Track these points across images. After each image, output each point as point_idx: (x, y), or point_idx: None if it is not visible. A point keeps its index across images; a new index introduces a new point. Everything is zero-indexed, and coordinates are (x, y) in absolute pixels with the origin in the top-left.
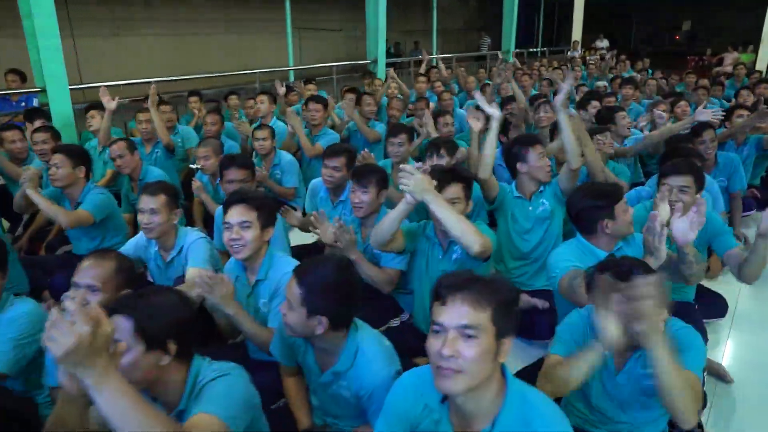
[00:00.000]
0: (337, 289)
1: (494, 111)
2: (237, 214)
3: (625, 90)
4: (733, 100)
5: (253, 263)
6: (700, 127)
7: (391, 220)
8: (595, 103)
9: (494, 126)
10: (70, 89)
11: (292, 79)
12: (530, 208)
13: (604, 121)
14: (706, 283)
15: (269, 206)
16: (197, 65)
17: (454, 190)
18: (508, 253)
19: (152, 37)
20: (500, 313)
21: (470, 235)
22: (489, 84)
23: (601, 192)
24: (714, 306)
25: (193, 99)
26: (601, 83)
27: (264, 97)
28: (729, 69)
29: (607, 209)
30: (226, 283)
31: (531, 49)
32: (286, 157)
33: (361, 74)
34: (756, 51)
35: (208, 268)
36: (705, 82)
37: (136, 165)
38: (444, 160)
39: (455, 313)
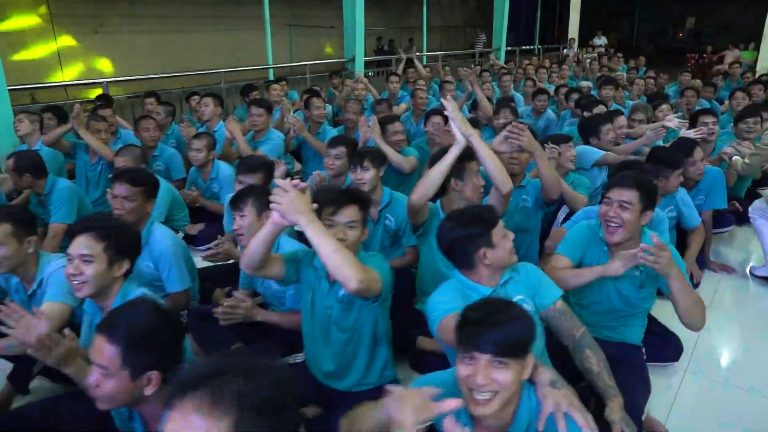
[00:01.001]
0: (162, 334)
1: (460, 135)
2: (78, 245)
3: (604, 91)
4: (727, 101)
5: (104, 301)
6: (688, 146)
7: (256, 241)
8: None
9: (453, 151)
10: (53, 86)
11: (271, 77)
12: None
13: (585, 132)
14: (662, 319)
15: (124, 236)
16: (184, 63)
17: (350, 212)
18: (433, 286)
19: (136, 34)
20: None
21: (346, 269)
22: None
23: (473, 217)
24: (666, 347)
25: (149, 100)
26: (585, 84)
27: (209, 99)
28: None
29: (482, 237)
30: (66, 342)
31: (524, 47)
32: (225, 169)
33: (330, 74)
34: (758, 48)
35: (67, 302)
36: (695, 82)
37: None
38: (369, 174)
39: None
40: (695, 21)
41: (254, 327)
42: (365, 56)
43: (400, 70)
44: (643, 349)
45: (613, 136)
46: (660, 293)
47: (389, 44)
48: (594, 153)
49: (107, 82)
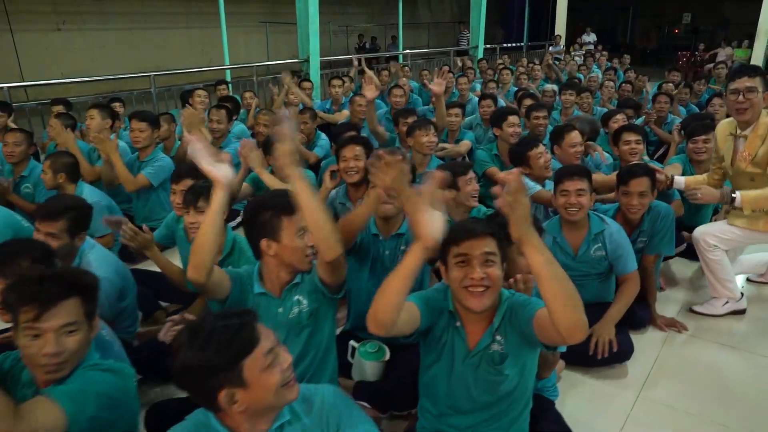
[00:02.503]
0: None
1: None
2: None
3: (564, 96)
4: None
5: None
6: (627, 175)
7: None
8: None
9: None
10: (9, 87)
11: (228, 77)
12: (280, 310)
13: (517, 158)
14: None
15: None
16: (154, 62)
17: None
18: None
19: (103, 32)
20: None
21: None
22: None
23: (220, 347)
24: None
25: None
26: (550, 87)
27: (95, 112)
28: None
29: (231, 370)
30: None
31: (507, 44)
32: (38, 169)
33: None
34: (751, 47)
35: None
36: (668, 87)
37: None
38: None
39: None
40: (691, 17)
41: None
42: (348, 54)
43: (352, 74)
44: None
45: (545, 160)
46: None
47: (372, 42)
48: (530, 188)
49: (69, 82)
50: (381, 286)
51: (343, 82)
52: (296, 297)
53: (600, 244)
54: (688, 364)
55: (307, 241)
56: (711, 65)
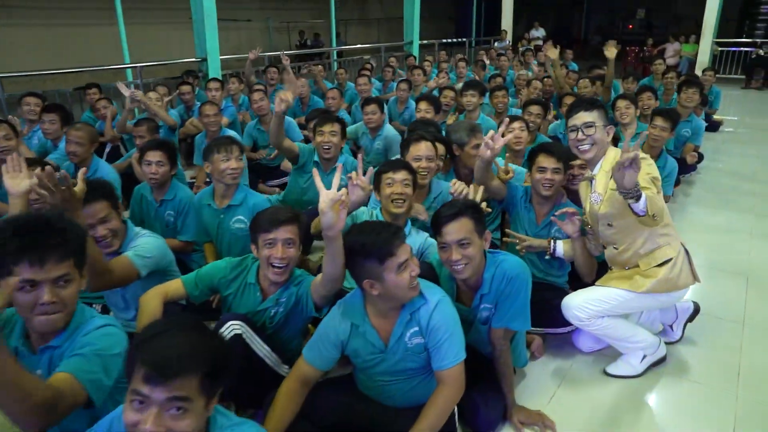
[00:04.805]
0: None
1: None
2: None
3: (466, 98)
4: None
5: None
6: (435, 219)
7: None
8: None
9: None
10: None
11: (129, 78)
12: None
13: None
14: None
15: None
16: (78, 59)
17: None
18: None
19: (13, 27)
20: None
21: None
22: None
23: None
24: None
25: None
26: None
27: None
28: (672, 61)
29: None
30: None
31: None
32: None
33: (184, 75)
34: (698, 41)
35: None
36: (570, 99)
37: None
38: None
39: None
40: (645, 13)
41: None
42: (290, 50)
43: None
44: None
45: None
46: None
47: (315, 38)
48: None
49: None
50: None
51: (223, 84)
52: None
53: (417, 328)
54: None
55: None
56: (657, 62)
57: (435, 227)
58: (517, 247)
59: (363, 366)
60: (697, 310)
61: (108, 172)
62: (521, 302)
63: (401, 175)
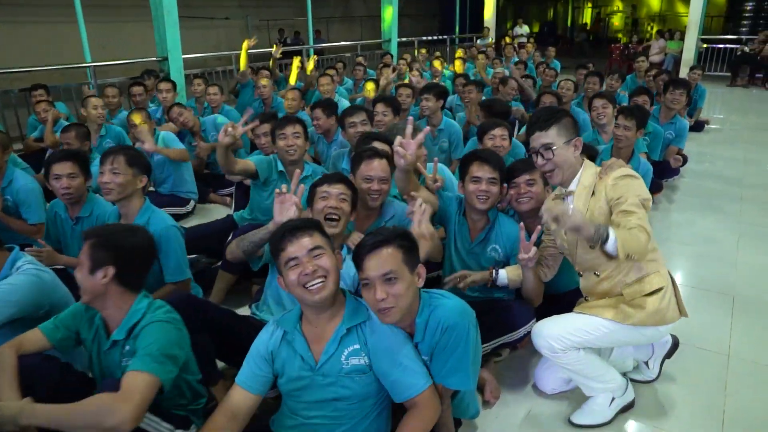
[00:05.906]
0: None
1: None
2: None
3: (422, 101)
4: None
5: None
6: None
7: None
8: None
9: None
10: None
11: (90, 78)
12: None
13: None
14: None
15: None
16: (43, 57)
17: None
18: None
19: None
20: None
21: None
22: None
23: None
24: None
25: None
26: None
27: None
28: (656, 58)
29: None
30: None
31: (427, 37)
32: None
33: (142, 74)
34: (683, 38)
35: None
36: (549, 98)
37: None
38: None
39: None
40: (632, 10)
41: None
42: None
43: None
44: None
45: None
46: None
47: (295, 36)
48: None
49: None
50: None
51: (174, 86)
52: None
53: (357, 346)
54: None
55: None
56: (640, 59)
57: (356, 260)
58: (459, 286)
59: (288, 389)
60: (675, 344)
61: (25, 183)
62: (459, 356)
63: (338, 188)
